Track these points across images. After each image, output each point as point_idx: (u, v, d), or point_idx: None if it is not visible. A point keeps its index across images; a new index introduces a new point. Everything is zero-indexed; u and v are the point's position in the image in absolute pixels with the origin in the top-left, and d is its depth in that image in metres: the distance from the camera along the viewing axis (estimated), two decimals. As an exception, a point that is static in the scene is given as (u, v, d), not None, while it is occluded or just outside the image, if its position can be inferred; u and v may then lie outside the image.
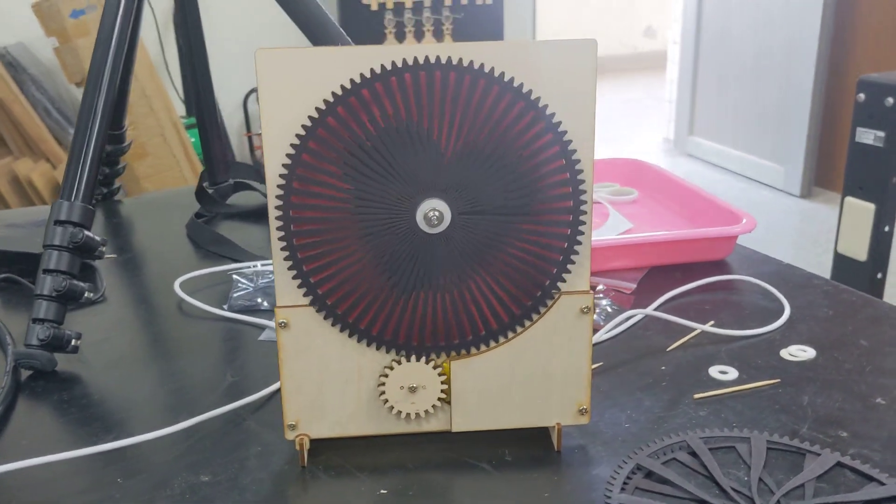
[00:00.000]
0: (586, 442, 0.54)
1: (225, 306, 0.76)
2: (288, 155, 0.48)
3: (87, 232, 0.67)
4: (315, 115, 0.48)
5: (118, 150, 1.03)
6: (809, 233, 2.99)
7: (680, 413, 0.57)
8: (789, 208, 3.26)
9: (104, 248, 0.69)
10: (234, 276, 0.81)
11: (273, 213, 0.49)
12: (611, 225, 0.90)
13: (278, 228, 0.49)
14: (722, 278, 0.79)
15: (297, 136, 0.48)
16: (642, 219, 0.94)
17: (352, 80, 0.47)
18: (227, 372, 0.66)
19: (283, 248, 0.50)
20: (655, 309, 0.72)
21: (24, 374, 0.67)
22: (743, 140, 3.71)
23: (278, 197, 0.49)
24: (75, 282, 0.67)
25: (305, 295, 0.51)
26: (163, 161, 2.89)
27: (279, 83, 0.48)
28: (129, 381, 0.65)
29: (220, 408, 0.58)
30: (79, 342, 0.67)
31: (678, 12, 4.07)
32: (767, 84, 3.52)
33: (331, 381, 0.52)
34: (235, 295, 0.78)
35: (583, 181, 0.50)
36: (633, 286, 0.77)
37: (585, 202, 0.50)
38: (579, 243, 0.51)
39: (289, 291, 0.51)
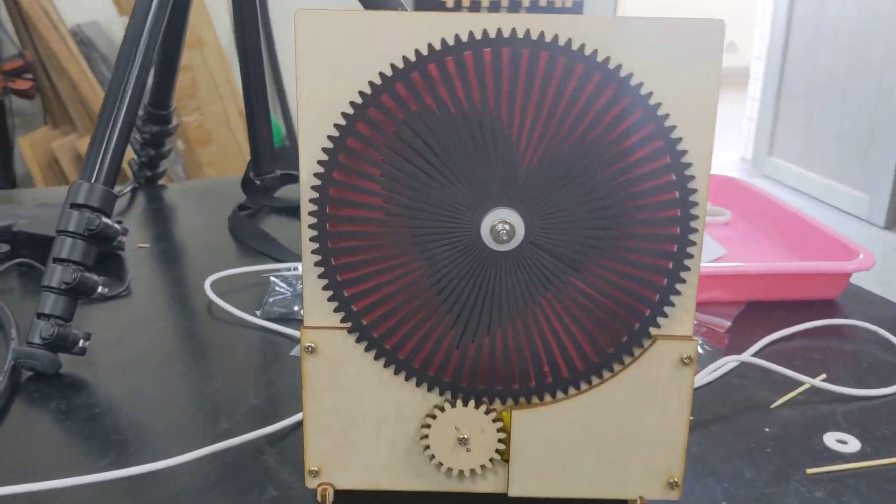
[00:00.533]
0: (673, 522, 0.44)
1: (258, 312, 0.68)
2: (330, 137, 0.39)
3: (105, 219, 0.59)
4: (368, 90, 0.38)
5: (164, 132, 0.95)
6: (893, 267, 2.80)
7: (791, 492, 0.46)
8: (872, 240, 3.07)
9: (124, 239, 0.61)
10: (272, 279, 0.72)
11: (305, 209, 0.40)
12: (701, 249, 0.79)
13: (311, 228, 0.40)
14: (833, 322, 0.67)
15: (344, 115, 0.39)
16: (736, 244, 0.82)
17: (419, 52, 0.38)
18: (250, 391, 0.57)
19: (315, 254, 0.40)
20: (755, 354, 0.61)
21: (25, 374, 0.59)
22: (826, 164, 3.52)
23: (314, 189, 0.39)
24: (87, 274, 0.59)
25: (338, 313, 0.41)
26: (227, 149, 2.86)
27: (323, 51, 0.38)
28: (138, 393, 0.57)
29: (235, 438, 0.49)
30: (87, 343, 0.59)
31: (764, 29, 3.89)
32: (856, 108, 3.33)
33: (363, 422, 0.43)
34: (271, 300, 0.69)
35: (695, 203, 0.39)
36: (728, 324, 0.66)
37: (696, 229, 0.40)
38: (683, 279, 0.40)
39: (319, 309, 0.41)
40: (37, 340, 0.57)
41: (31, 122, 2.76)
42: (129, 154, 1.00)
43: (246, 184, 0.92)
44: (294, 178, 0.98)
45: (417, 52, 0.38)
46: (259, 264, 0.77)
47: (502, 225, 0.39)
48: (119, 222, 0.62)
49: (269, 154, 0.89)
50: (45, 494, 0.45)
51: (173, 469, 0.47)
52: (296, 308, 0.68)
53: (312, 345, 0.42)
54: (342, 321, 0.41)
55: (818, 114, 3.58)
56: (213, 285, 0.72)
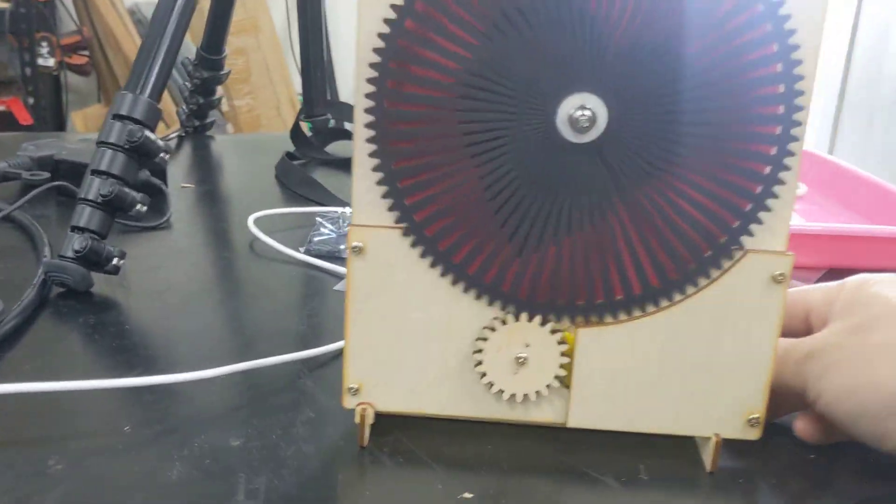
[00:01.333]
0: (750, 465, 0.39)
1: (302, 249, 0.64)
2: (393, 6, 0.35)
3: (148, 132, 0.56)
4: (436, -43, 0.34)
5: (215, 78, 0.93)
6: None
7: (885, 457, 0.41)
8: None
9: (167, 157, 0.58)
10: (318, 219, 0.68)
11: (361, 94, 0.36)
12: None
13: (367, 111, 0.36)
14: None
15: (405, -12, 0.35)
16: (814, 217, 0.77)
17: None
18: (291, 319, 0.53)
19: (370, 142, 0.36)
20: (838, 315, 0.56)
21: (56, 291, 0.56)
22: (887, 176, 3.41)
23: (372, 67, 0.35)
24: (126, 189, 0.55)
25: (393, 212, 0.37)
26: (275, 133, 2.85)
27: None
28: (173, 315, 0.54)
29: (273, 357, 0.46)
30: (121, 262, 0.56)
31: (827, 38, 3.79)
32: (922, 123, 3.21)
33: (411, 336, 0.39)
34: (316, 239, 0.66)
35: (801, 98, 0.35)
36: (807, 287, 0.61)
37: (799, 128, 0.35)
38: (781, 183, 0.36)
39: (371, 206, 0.37)
40: (69, 254, 0.54)
41: (85, 98, 2.78)
42: (178, 103, 0.98)
43: (295, 133, 0.89)
44: (344, 134, 0.95)
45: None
46: (304, 207, 0.74)
47: (582, 111, 0.35)
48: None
49: (322, 98, 0.85)
50: (69, 395, 0.42)
51: (205, 383, 0.44)
52: (341, 247, 0.64)
53: (360, 244, 0.38)
54: (397, 221, 0.37)
55: (880, 135, 3.47)
56: (255, 224, 0.68)
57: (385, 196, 0.37)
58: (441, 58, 0.35)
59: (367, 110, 0.36)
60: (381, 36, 0.35)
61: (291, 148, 0.92)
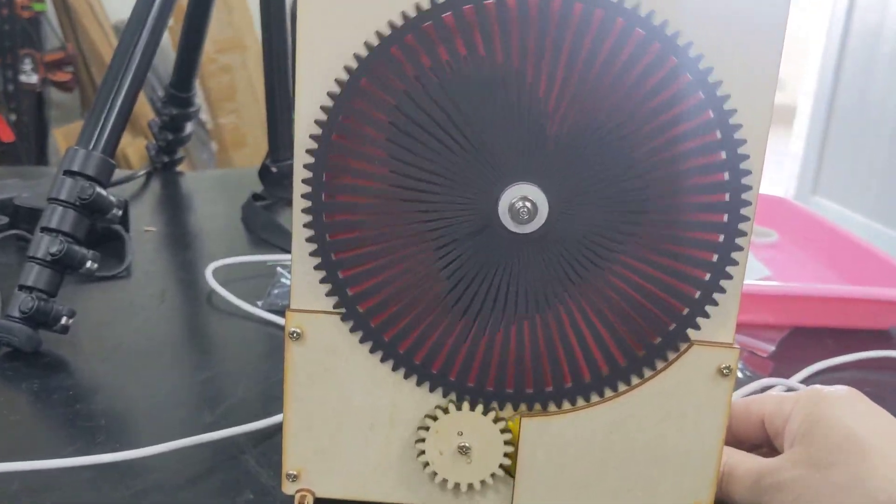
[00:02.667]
0: (700, 561, 0.38)
1: (259, 303, 0.63)
2: (331, 95, 0.34)
3: (99, 189, 0.55)
4: (375, 42, 0.33)
5: (184, 115, 0.92)
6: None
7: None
8: (918, 285, 2.96)
9: (119, 213, 0.56)
10: (278, 269, 0.67)
11: (299, 176, 0.35)
12: (743, 268, 0.73)
13: (304, 198, 0.35)
14: (888, 354, 0.61)
15: (346, 69, 0.34)
16: (782, 267, 0.76)
17: (419, 6, 0.33)
18: (240, 384, 0.52)
19: (307, 227, 0.35)
20: (802, 382, 0.55)
21: (2, 350, 0.54)
22: (874, 206, 3.42)
23: (309, 153, 0.34)
24: (76, 247, 0.54)
25: (331, 297, 0.36)
26: (261, 153, 2.83)
27: (324, 5, 0.33)
28: (119, 379, 0.52)
29: (214, 433, 0.44)
30: (70, 321, 0.55)
31: (815, 63, 3.80)
32: (907, 148, 3.22)
33: (352, 422, 0.38)
34: (275, 292, 0.64)
35: (747, 188, 0.34)
36: (771, 349, 0.60)
37: (746, 220, 0.34)
38: (728, 276, 0.35)
39: (309, 291, 0.36)
40: (16, 314, 0.53)
41: (69, 114, 2.76)
42: (150, 137, 0.96)
43: (263, 173, 0.88)
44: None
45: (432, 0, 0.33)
46: (268, 254, 0.73)
47: (523, 202, 0.34)
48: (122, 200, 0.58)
49: (288, 141, 0.84)
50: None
51: (142, 461, 0.43)
52: (300, 301, 0.63)
53: (298, 330, 0.36)
54: (335, 306, 0.36)
55: (868, 154, 3.47)
56: (216, 273, 0.67)
57: (324, 281, 0.36)
58: (375, 150, 0.34)
59: (305, 195, 0.35)
60: (318, 123, 0.34)
61: (260, 183, 0.90)
